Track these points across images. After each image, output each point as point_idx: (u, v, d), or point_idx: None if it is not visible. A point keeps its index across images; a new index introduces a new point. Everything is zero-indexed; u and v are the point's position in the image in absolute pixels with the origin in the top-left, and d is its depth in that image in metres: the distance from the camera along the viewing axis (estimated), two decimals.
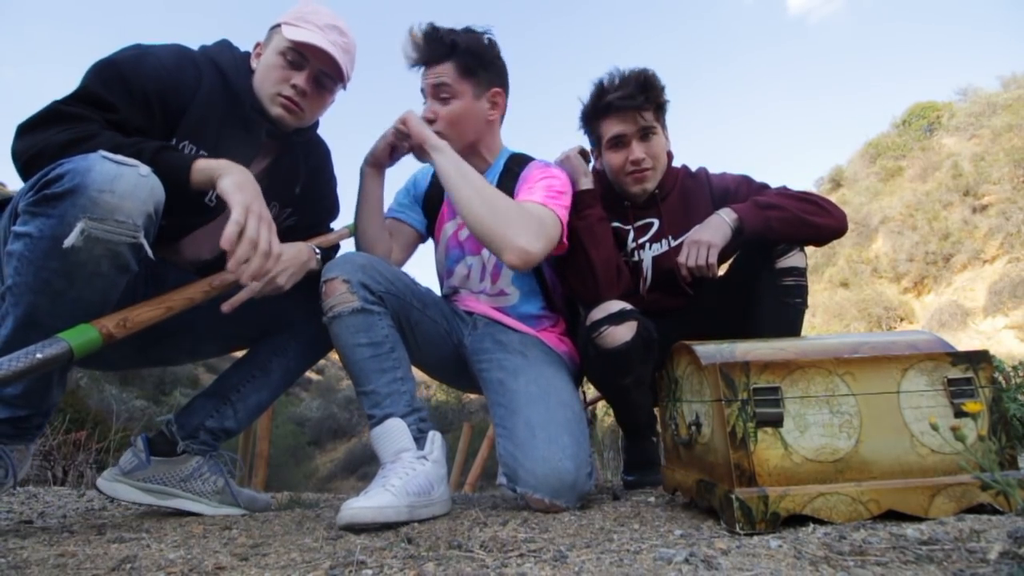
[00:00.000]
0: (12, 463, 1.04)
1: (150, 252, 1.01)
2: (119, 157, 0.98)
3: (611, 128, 1.56)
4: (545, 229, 1.28)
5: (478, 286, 1.51)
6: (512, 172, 1.49)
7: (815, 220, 1.46)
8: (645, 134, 1.56)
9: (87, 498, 1.79)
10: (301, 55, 1.26)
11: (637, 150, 1.55)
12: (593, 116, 1.59)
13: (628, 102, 1.51)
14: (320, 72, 1.29)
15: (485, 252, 1.47)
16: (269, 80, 1.27)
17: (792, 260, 1.44)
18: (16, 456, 1.05)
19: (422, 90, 1.45)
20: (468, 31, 1.43)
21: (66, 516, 1.39)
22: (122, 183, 0.96)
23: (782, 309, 1.45)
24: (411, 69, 1.45)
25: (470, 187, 1.29)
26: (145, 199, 0.99)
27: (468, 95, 1.43)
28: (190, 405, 1.38)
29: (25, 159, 1.04)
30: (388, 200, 1.57)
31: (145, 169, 1.00)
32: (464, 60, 1.40)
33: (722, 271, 1.59)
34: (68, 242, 0.91)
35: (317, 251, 1.33)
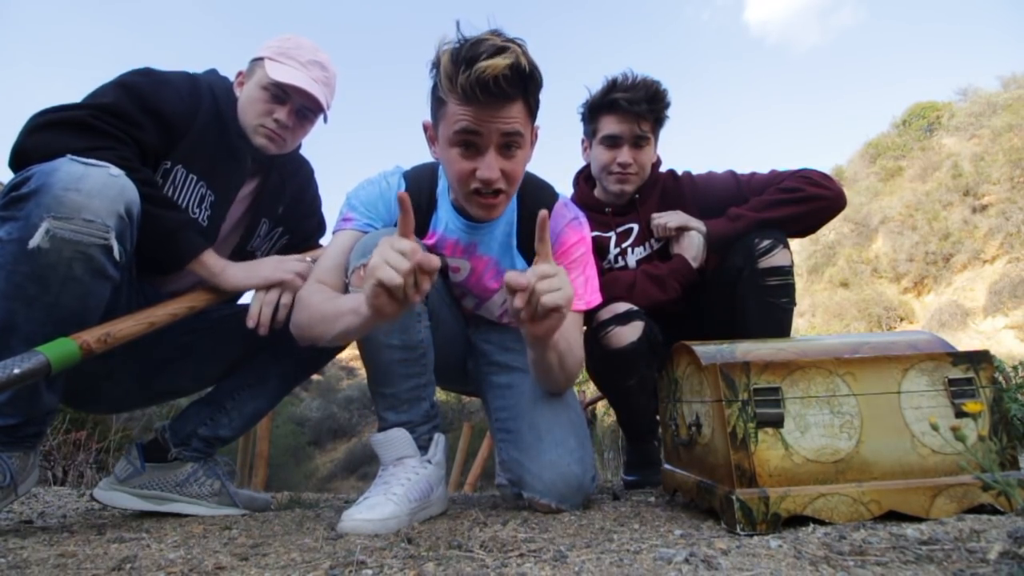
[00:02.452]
0: (10, 469, 1.03)
1: (117, 253, 0.99)
2: (88, 159, 0.97)
3: (609, 126, 1.58)
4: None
5: (490, 315, 1.40)
6: (533, 217, 1.17)
7: (781, 214, 1.48)
8: (638, 141, 1.58)
9: (87, 498, 1.79)
10: (284, 92, 1.30)
11: (626, 154, 1.58)
12: (596, 109, 1.61)
13: (632, 106, 1.53)
14: (302, 106, 1.33)
15: (498, 297, 1.32)
16: (252, 112, 1.31)
17: (775, 259, 1.43)
18: (16, 463, 1.04)
19: (466, 130, 1.04)
20: (527, 51, 1.04)
21: (66, 516, 1.39)
22: (89, 182, 0.95)
23: (768, 310, 1.44)
24: (459, 100, 1.02)
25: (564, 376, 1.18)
26: (115, 198, 0.97)
27: (528, 142, 1.12)
28: (185, 412, 1.37)
29: (35, 160, 1.01)
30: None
31: (116, 170, 1.00)
32: (534, 97, 1.09)
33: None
34: (32, 243, 0.90)
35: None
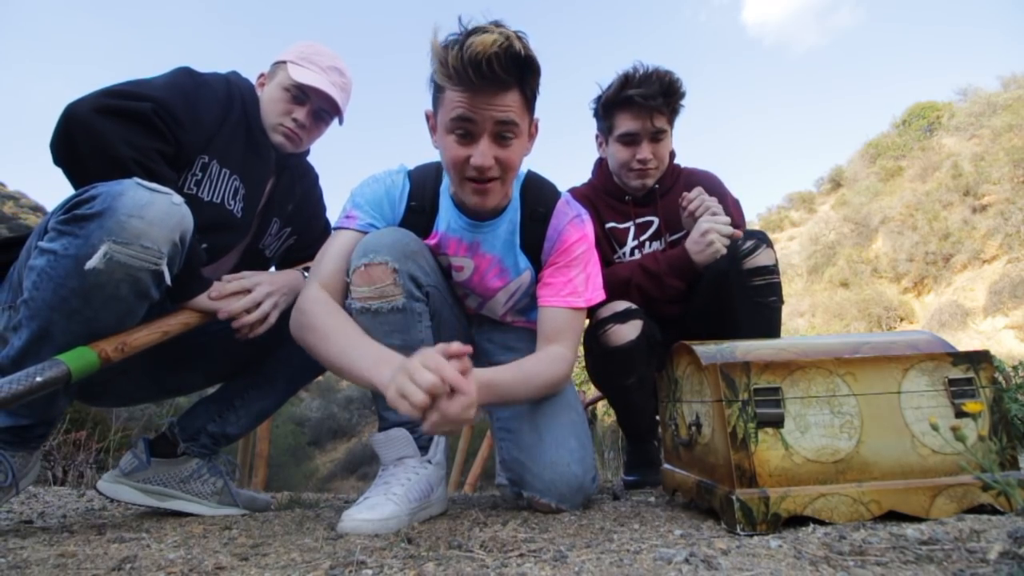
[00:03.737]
0: (13, 469, 1.04)
1: (168, 279, 1.02)
2: (153, 184, 1.00)
3: (625, 124, 1.57)
4: (577, 345, 1.25)
5: (492, 314, 1.40)
6: (535, 215, 1.28)
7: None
8: (655, 136, 1.57)
9: (87, 498, 1.79)
10: (304, 93, 1.37)
11: (646, 150, 1.57)
12: (611, 106, 1.59)
13: (648, 101, 1.51)
14: (319, 108, 1.40)
15: (501, 296, 1.32)
16: (273, 112, 1.37)
17: (759, 259, 1.42)
18: (18, 462, 1.05)
19: (461, 117, 1.05)
20: (522, 37, 1.04)
21: (66, 516, 1.39)
22: (152, 210, 0.98)
23: (756, 310, 1.43)
24: (452, 87, 1.03)
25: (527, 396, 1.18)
26: (173, 227, 1.01)
27: (524, 131, 1.12)
28: (193, 409, 1.39)
29: (90, 144, 1.03)
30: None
31: (178, 198, 1.03)
32: (530, 87, 1.09)
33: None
34: (90, 264, 0.92)
35: (306, 275, 1.38)
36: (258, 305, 1.25)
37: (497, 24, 1.02)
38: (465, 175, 1.11)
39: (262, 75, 1.43)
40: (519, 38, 1.02)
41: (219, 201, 1.28)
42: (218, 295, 1.22)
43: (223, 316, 1.23)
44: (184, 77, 1.25)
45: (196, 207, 1.16)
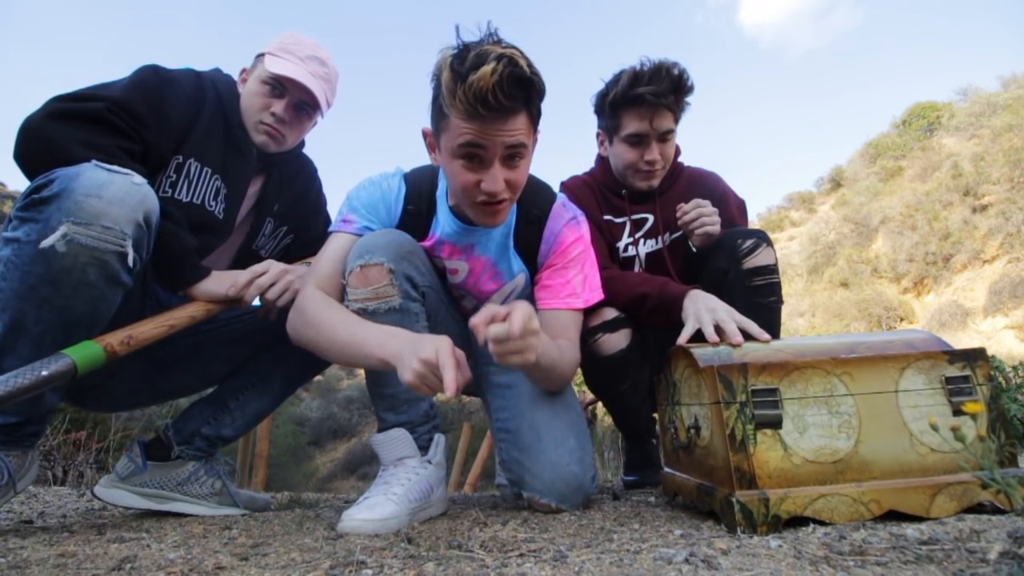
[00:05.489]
0: (9, 468, 1.03)
1: (131, 259, 0.99)
2: (112, 166, 0.98)
3: (633, 124, 1.51)
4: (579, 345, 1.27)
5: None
6: (531, 217, 1.28)
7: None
8: (663, 136, 1.53)
9: (87, 498, 1.79)
10: (281, 85, 1.32)
11: (654, 151, 1.53)
12: (617, 104, 1.53)
13: (659, 99, 1.46)
14: (299, 100, 1.35)
15: (496, 298, 1.32)
16: (252, 107, 1.33)
17: (759, 259, 1.41)
18: (14, 462, 1.04)
19: (470, 143, 1.03)
20: (525, 55, 1.02)
21: (66, 516, 1.39)
22: (111, 189, 0.95)
23: (756, 311, 1.37)
24: (462, 116, 1.01)
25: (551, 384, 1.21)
26: (135, 206, 0.98)
27: (531, 150, 1.11)
28: (188, 411, 1.38)
29: (45, 152, 1.01)
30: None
31: (139, 178, 1.00)
32: (536, 107, 1.08)
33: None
34: (46, 243, 0.91)
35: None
36: (274, 283, 1.24)
37: (495, 41, 1.00)
38: (476, 200, 1.10)
39: (244, 71, 1.39)
40: (522, 56, 1.00)
41: (198, 202, 1.25)
42: (235, 288, 1.21)
43: (245, 306, 1.22)
44: (148, 75, 1.21)
45: (173, 209, 1.15)
